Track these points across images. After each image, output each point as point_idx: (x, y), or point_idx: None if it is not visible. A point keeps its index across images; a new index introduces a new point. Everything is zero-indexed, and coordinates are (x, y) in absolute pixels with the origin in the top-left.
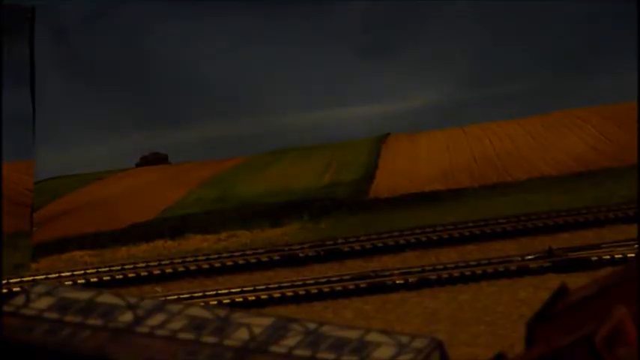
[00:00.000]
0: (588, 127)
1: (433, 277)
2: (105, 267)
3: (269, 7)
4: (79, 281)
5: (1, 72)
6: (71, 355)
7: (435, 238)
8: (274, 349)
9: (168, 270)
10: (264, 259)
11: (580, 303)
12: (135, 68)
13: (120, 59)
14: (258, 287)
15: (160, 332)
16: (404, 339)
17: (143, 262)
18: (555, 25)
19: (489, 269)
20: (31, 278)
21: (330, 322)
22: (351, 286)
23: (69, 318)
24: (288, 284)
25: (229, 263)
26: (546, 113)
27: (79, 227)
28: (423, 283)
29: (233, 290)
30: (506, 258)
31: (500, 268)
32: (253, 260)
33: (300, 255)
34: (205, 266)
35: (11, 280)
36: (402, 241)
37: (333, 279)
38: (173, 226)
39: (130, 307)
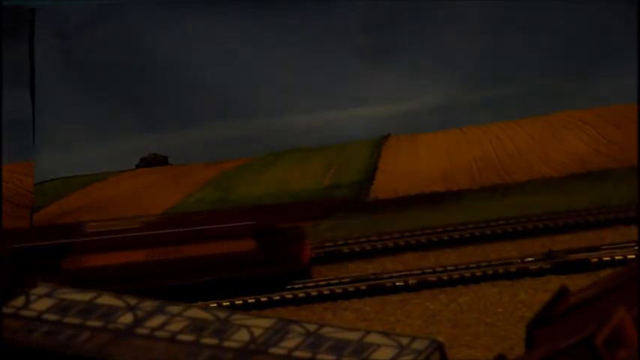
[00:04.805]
0: (588, 128)
1: (433, 278)
2: None
3: (269, 7)
4: None
5: (1, 73)
6: (71, 357)
7: (434, 239)
8: (274, 350)
9: None
10: None
11: (580, 305)
12: (134, 69)
13: (119, 60)
14: None
15: (160, 334)
16: (404, 340)
17: None
18: (556, 26)
19: (489, 271)
20: None
21: (331, 323)
22: (351, 289)
23: (69, 320)
24: (288, 286)
25: None
26: (547, 115)
27: None
28: (423, 285)
29: None
30: (506, 260)
31: (500, 270)
32: None
33: None
34: None
35: None
36: (401, 243)
37: (333, 281)
38: None
39: (130, 308)
